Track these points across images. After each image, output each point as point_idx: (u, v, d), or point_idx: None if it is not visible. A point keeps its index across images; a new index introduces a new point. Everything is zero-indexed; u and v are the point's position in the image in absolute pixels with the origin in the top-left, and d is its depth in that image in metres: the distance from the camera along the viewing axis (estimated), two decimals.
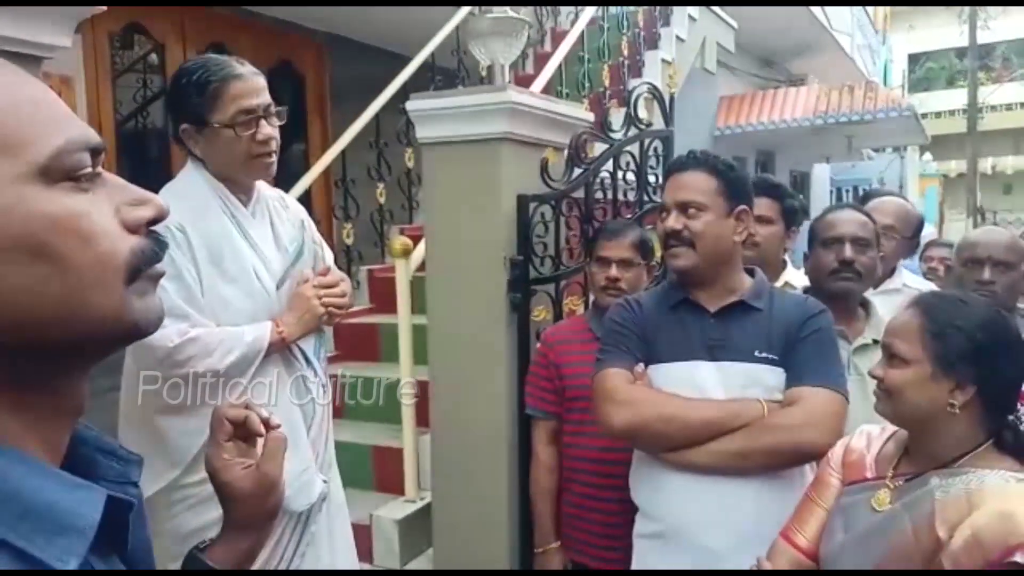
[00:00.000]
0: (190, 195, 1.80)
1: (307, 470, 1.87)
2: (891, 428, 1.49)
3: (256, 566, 1.73)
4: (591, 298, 2.59)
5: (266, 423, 0.90)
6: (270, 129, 1.81)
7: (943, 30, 21.81)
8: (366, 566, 3.03)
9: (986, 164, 21.54)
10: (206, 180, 1.82)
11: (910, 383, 1.35)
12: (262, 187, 1.94)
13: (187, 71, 1.78)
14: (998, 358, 1.31)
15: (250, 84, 1.78)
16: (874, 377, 1.44)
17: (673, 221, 1.79)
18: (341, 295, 1.97)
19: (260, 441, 0.90)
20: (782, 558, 1.52)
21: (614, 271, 2.29)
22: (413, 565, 3.11)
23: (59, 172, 0.56)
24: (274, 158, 1.84)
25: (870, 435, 1.53)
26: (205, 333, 1.72)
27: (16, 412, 0.57)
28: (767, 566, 1.52)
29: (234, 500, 0.87)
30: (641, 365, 1.81)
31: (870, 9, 14.67)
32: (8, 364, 0.56)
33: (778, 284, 2.37)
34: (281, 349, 1.86)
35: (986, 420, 1.33)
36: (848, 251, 2.05)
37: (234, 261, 1.80)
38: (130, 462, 0.67)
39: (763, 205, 2.35)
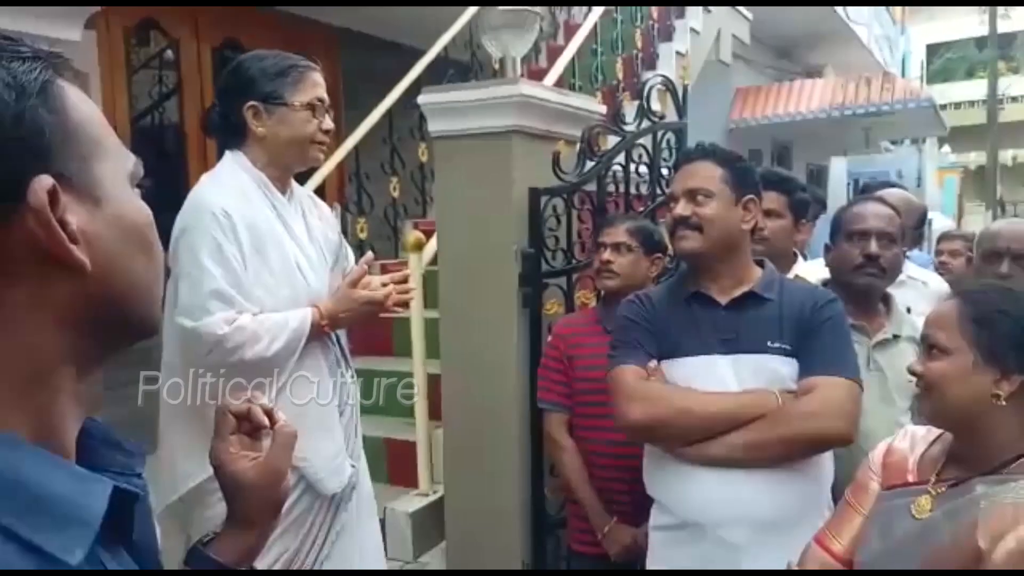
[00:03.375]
0: (232, 183, 1.83)
1: (339, 454, 1.91)
2: (937, 429, 1.39)
3: (288, 553, 1.78)
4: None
5: (270, 416, 0.90)
6: (331, 122, 1.92)
7: (962, 20, 21.56)
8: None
9: (1007, 156, 21.31)
10: (248, 170, 1.85)
11: (951, 374, 1.27)
12: (293, 183, 1.98)
13: (261, 57, 1.87)
14: None
15: (322, 79, 1.91)
16: (913, 373, 1.36)
17: (681, 208, 1.81)
18: (407, 291, 2.03)
19: (265, 435, 0.91)
20: (814, 564, 1.45)
21: (607, 254, 2.29)
22: (426, 558, 3.12)
23: (135, 179, 0.65)
24: (325, 149, 1.95)
25: (914, 436, 1.43)
26: (252, 321, 1.74)
27: (57, 395, 0.60)
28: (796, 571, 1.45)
29: (238, 493, 0.87)
30: (654, 361, 1.81)
31: None
32: (82, 342, 0.60)
33: (789, 277, 2.35)
34: (319, 336, 1.88)
35: None
36: (874, 246, 2.01)
37: (276, 251, 1.82)
38: (135, 454, 0.68)
39: (770, 198, 2.33)
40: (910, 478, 1.37)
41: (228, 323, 1.71)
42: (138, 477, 0.66)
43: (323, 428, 1.87)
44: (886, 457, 1.44)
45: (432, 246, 3.26)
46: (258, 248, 1.78)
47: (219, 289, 1.71)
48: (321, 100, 1.87)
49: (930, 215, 3.44)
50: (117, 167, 0.63)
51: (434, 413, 3.10)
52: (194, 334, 1.71)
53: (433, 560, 3.10)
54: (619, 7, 5.38)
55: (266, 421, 0.90)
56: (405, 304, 2.07)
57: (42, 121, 0.57)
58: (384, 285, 1.97)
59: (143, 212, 0.65)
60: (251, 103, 1.82)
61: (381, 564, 2.15)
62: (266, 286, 1.80)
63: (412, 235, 3.26)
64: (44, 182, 0.55)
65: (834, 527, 1.47)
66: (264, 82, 1.82)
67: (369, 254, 2.07)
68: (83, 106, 0.62)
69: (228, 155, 1.88)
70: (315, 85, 1.87)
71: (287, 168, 1.91)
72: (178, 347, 1.78)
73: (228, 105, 1.86)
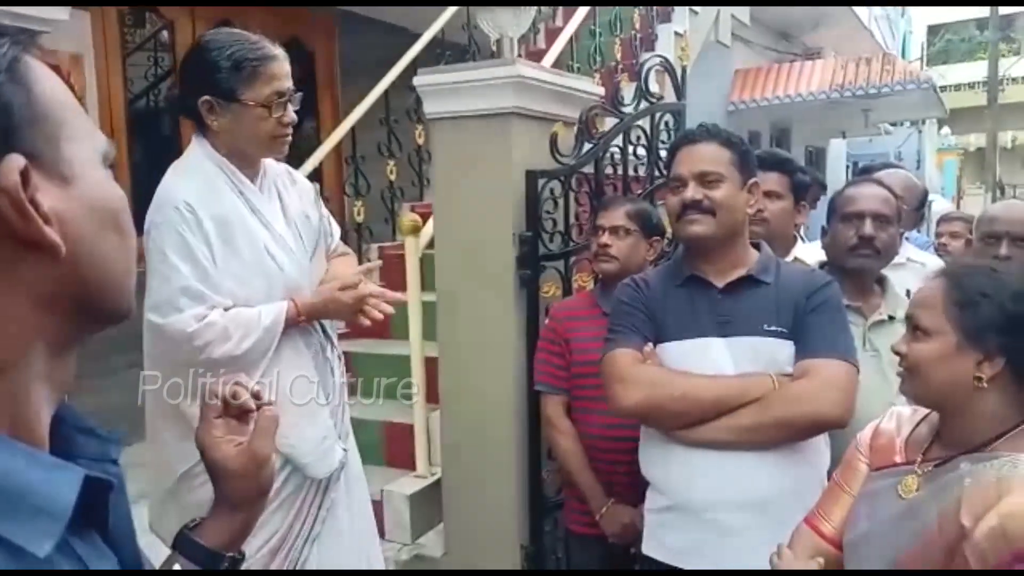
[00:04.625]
0: (197, 173, 1.80)
1: (327, 438, 1.90)
2: (924, 410, 1.40)
3: (279, 534, 1.78)
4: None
5: (257, 398, 0.90)
6: (293, 114, 1.84)
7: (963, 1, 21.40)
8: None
9: (1006, 137, 21.24)
10: (213, 158, 1.81)
11: (933, 356, 1.27)
12: (268, 163, 1.94)
13: (217, 45, 1.77)
14: None
15: (284, 67, 1.82)
16: (897, 353, 1.36)
17: (692, 191, 1.78)
18: (389, 302, 1.97)
19: (253, 418, 0.90)
20: (804, 546, 1.45)
21: (605, 238, 2.28)
22: (424, 540, 3.13)
23: (107, 160, 0.65)
24: (289, 139, 1.87)
25: (901, 417, 1.44)
26: (222, 317, 1.72)
27: (27, 382, 0.58)
28: (787, 553, 1.45)
29: (225, 477, 0.87)
30: (650, 344, 1.81)
31: None
32: (54, 326, 0.59)
33: (788, 259, 2.34)
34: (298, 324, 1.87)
35: (1020, 398, 1.23)
36: (868, 227, 2.00)
37: (245, 239, 1.79)
38: (109, 440, 0.66)
39: (772, 180, 2.32)
40: (897, 459, 1.37)
41: (198, 320, 1.69)
42: (113, 463, 0.65)
43: (308, 414, 1.86)
44: (874, 439, 1.45)
45: (429, 229, 3.25)
46: (225, 239, 1.76)
47: (188, 286, 1.69)
48: (280, 94, 1.79)
49: (930, 197, 3.43)
50: (88, 146, 0.62)
51: (431, 396, 3.10)
52: (164, 331, 1.71)
53: (431, 542, 3.11)
54: None
55: (252, 404, 0.89)
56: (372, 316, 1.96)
57: (10, 99, 0.55)
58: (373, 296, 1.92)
59: (115, 192, 0.64)
60: (205, 97, 1.76)
61: (374, 541, 2.16)
62: (236, 276, 1.77)
63: (408, 218, 3.25)
64: (15, 161, 0.54)
65: (824, 508, 1.48)
66: (218, 76, 1.75)
67: (368, 264, 2.04)
68: (52, 84, 0.60)
69: (195, 141, 1.85)
70: (272, 79, 1.78)
71: (251, 158, 1.86)
72: (153, 341, 1.77)
73: (186, 93, 1.81)
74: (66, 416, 0.65)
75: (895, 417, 1.46)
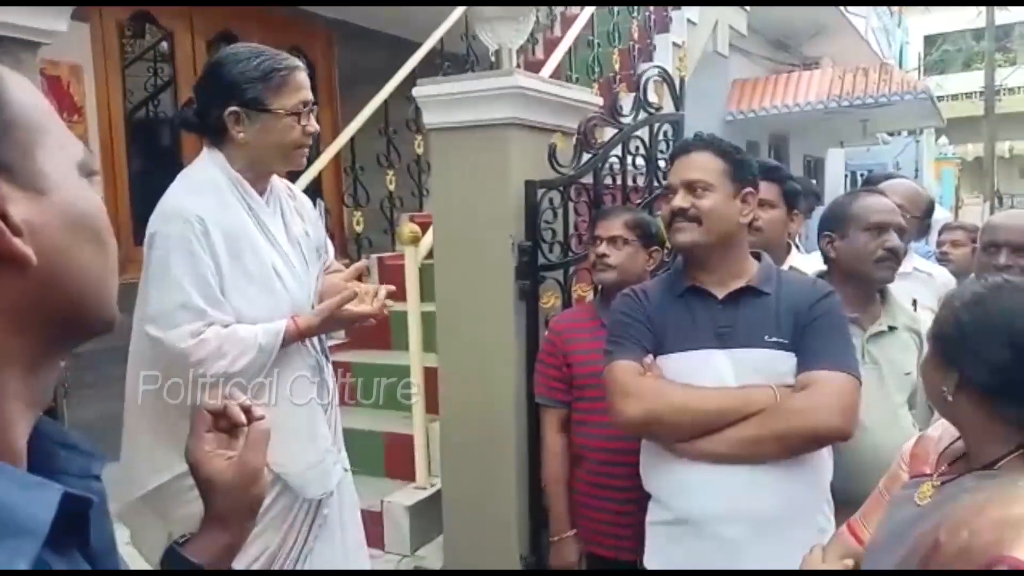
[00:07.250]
0: (210, 187, 1.77)
1: (323, 461, 1.87)
2: None
3: (270, 550, 1.76)
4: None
5: (248, 412, 0.89)
6: (316, 124, 1.84)
7: (960, 11, 21.49)
8: (377, 552, 3.04)
9: (1003, 147, 21.29)
10: (224, 171, 1.79)
11: (926, 368, 1.30)
12: (274, 179, 1.92)
13: (243, 56, 1.76)
14: (984, 342, 1.16)
15: (307, 78, 1.82)
16: None
17: (680, 200, 1.78)
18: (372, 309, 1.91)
19: (243, 432, 0.89)
20: (837, 547, 1.47)
21: (603, 247, 2.28)
22: (423, 551, 3.12)
23: (86, 169, 0.63)
24: (307, 151, 1.87)
25: (945, 428, 1.41)
26: (217, 336, 1.70)
27: (1, 399, 0.56)
28: (816, 553, 1.46)
29: (215, 492, 0.86)
30: (650, 356, 1.80)
31: None
32: (29, 340, 0.57)
33: (784, 268, 2.34)
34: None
35: (1000, 415, 1.17)
36: (895, 240, 2.01)
37: (254, 257, 1.77)
38: (92, 456, 0.65)
39: (763, 188, 2.31)
40: (927, 469, 1.37)
41: (193, 336, 1.67)
42: (96, 479, 0.63)
43: (305, 434, 1.84)
44: (914, 447, 1.45)
45: (428, 239, 3.25)
46: (234, 254, 1.74)
47: (187, 301, 1.67)
48: (306, 103, 1.80)
49: None
50: (63, 156, 0.61)
51: (431, 407, 3.09)
52: (160, 344, 1.69)
53: (430, 553, 3.10)
54: None
55: (243, 418, 0.89)
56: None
57: None
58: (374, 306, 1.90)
59: (92, 202, 0.62)
60: (232, 108, 1.75)
61: (364, 557, 2.14)
62: (244, 293, 1.75)
63: (407, 228, 3.25)
64: None
65: (865, 514, 1.48)
66: (246, 87, 1.74)
67: (358, 264, 2.03)
68: (24, 93, 0.59)
69: (206, 153, 1.82)
70: (299, 88, 1.79)
71: (267, 171, 1.86)
72: (149, 351, 1.75)
73: (206, 105, 1.79)
74: (48, 431, 0.63)
75: (940, 426, 1.43)
